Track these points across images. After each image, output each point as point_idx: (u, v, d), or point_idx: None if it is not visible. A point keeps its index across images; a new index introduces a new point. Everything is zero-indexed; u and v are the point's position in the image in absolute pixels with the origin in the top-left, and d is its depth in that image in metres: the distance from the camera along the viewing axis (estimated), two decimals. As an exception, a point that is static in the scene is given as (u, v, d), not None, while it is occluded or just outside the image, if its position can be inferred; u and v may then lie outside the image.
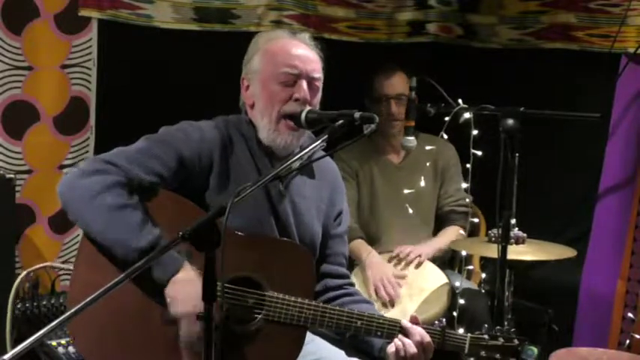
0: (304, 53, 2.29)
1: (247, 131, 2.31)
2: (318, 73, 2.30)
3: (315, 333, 2.44)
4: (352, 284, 2.51)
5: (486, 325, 2.29)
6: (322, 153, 2.21)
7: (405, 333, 2.20)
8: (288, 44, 2.31)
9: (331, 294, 2.40)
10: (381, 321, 2.21)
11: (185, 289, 2.03)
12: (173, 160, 2.19)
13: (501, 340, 2.24)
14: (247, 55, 2.35)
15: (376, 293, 3.19)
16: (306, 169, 2.38)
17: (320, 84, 2.31)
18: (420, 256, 3.33)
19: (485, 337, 2.25)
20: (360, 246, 3.39)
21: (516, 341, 2.24)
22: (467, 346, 2.24)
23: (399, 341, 2.20)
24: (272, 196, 2.29)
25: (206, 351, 1.68)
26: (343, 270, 2.49)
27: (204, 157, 2.23)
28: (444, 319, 2.29)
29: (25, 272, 2.88)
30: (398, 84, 3.54)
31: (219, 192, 2.22)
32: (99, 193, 2.08)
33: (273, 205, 2.29)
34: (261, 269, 2.17)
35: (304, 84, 2.25)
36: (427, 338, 2.20)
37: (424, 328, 2.22)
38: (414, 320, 2.24)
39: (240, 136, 2.31)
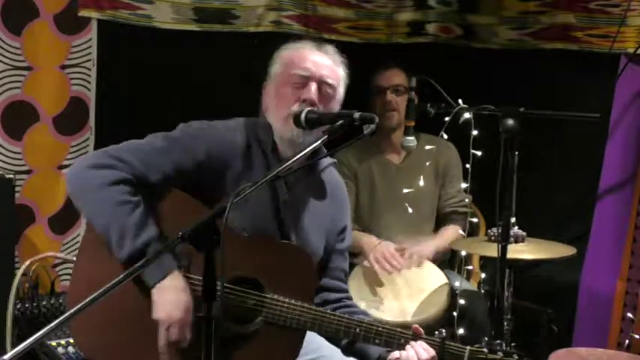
0: (319, 59, 2.31)
1: (264, 135, 2.32)
2: (332, 80, 2.30)
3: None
4: (350, 298, 2.51)
5: (486, 339, 2.28)
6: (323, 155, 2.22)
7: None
8: (307, 51, 2.32)
9: (329, 307, 2.38)
10: (380, 329, 2.21)
11: (166, 296, 2.05)
12: (189, 164, 2.19)
13: (500, 354, 2.22)
14: (270, 62, 2.38)
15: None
16: (312, 183, 2.39)
17: (332, 91, 2.30)
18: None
19: (485, 350, 2.23)
20: (358, 235, 3.38)
21: (516, 356, 2.21)
22: (465, 358, 2.22)
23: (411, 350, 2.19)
24: (278, 207, 2.30)
25: (205, 351, 1.68)
26: (343, 285, 2.49)
27: (222, 159, 2.23)
28: (443, 330, 2.28)
29: (28, 261, 2.88)
30: (393, 76, 3.57)
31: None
32: (104, 187, 2.10)
33: (278, 216, 2.30)
34: (263, 271, 2.17)
35: (313, 86, 2.25)
36: (431, 352, 2.19)
37: (424, 339, 2.21)
38: (417, 332, 2.22)
39: (255, 140, 2.32)
